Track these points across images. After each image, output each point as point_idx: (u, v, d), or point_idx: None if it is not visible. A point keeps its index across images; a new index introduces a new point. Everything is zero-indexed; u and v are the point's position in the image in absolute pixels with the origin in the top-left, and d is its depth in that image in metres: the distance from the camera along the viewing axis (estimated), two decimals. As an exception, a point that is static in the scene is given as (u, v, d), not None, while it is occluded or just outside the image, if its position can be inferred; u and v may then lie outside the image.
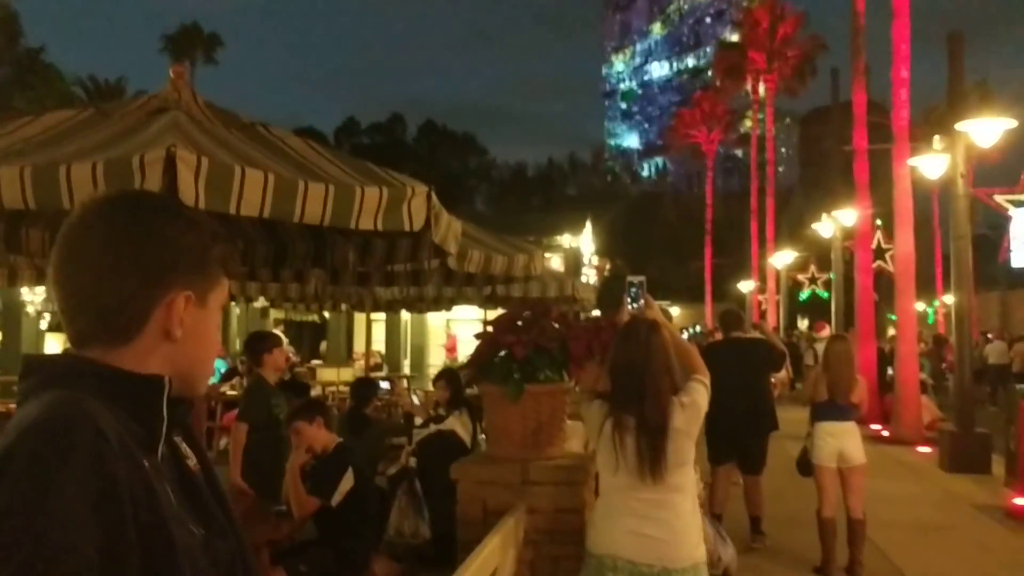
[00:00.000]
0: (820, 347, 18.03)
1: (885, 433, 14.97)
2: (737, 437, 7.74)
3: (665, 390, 3.55)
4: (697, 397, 3.61)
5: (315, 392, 11.77)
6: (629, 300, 4.12)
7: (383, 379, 13.84)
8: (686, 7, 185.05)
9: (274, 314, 22.89)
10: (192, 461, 1.30)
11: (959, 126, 12.17)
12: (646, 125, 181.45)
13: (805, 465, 7.19)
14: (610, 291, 4.66)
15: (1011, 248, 20.16)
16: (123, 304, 1.20)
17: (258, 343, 6.52)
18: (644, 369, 3.55)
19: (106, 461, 1.03)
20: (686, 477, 3.64)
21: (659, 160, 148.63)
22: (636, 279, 4.17)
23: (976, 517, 9.17)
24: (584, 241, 40.80)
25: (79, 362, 1.19)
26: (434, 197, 4.48)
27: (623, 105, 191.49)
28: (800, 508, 7.89)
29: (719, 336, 9.19)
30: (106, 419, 1.09)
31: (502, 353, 4.14)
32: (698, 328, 36.14)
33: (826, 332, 19.19)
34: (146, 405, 1.19)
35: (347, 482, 5.06)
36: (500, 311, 8.25)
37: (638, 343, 3.62)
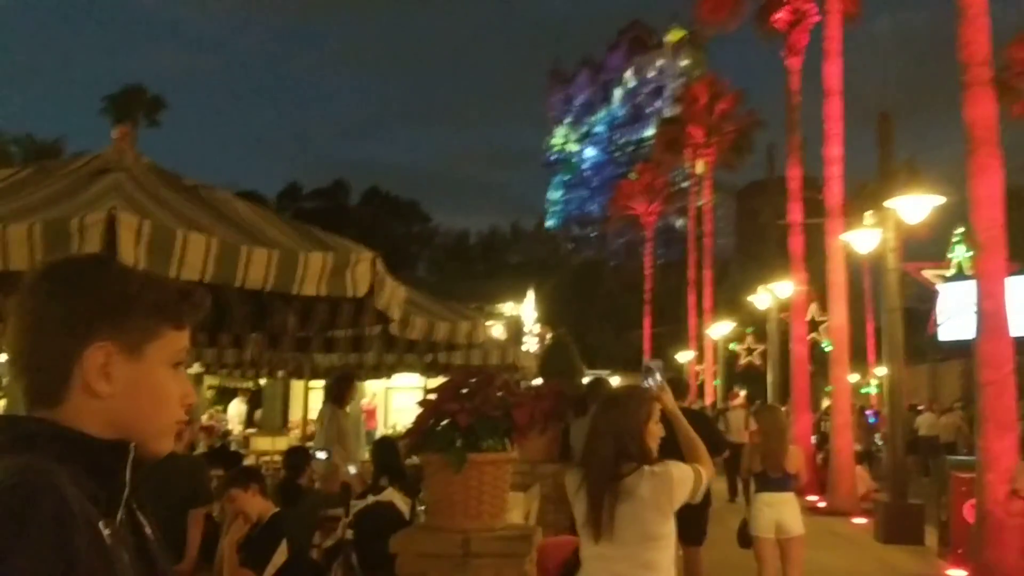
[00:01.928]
0: (733, 416, 18.27)
1: (821, 504, 15.10)
2: None
3: (624, 454, 3.47)
4: (674, 470, 3.49)
5: (249, 461, 11.47)
6: (646, 381, 4.05)
7: (319, 449, 13.55)
8: (627, 83, 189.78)
9: (208, 380, 22.39)
10: (148, 529, 1.29)
11: (889, 203, 12.59)
12: (587, 195, 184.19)
13: (744, 536, 7.19)
14: (553, 359, 4.67)
15: (939, 321, 20.75)
16: (48, 363, 1.19)
17: None
18: (611, 432, 3.50)
19: (67, 532, 1.03)
20: (658, 553, 3.50)
21: (599, 230, 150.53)
22: (654, 363, 4.20)
23: (912, 588, 9.25)
24: (526, 309, 40.92)
25: (41, 425, 1.17)
26: (379, 263, 4.47)
27: (565, 176, 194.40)
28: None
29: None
30: (70, 487, 1.07)
31: (444, 421, 4.09)
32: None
33: (738, 401, 19.39)
34: (109, 471, 1.17)
35: (280, 555, 4.92)
36: (441, 379, 8.20)
37: (617, 409, 3.58)
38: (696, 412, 9.08)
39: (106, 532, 1.11)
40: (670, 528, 3.53)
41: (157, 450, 1.26)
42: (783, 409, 19.38)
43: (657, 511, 3.49)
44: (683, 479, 3.50)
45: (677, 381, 8.99)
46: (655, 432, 3.59)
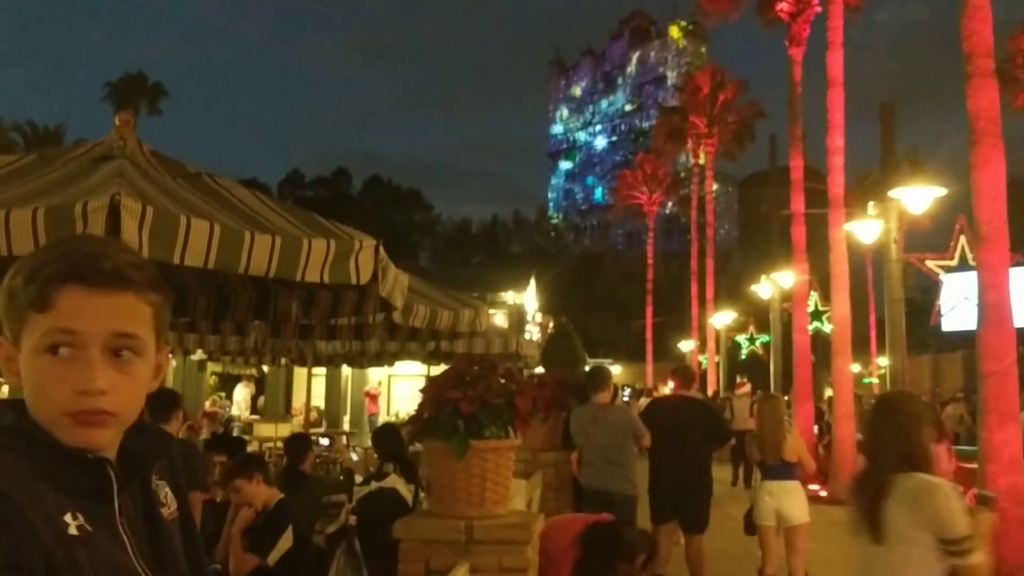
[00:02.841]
0: (738, 404, 18.39)
1: (823, 493, 15.11)
2: (677, 496, 7.72)
3: (906, 459, 3.37)
4: (942, 495, 3.26)
5: (251, 448, 11.52)
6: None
7: (322, 435, 13.62)
8: (629, 72, 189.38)
9: (211, 367, 22.42)
10: (168, 510, 1.28)
11: (892, 193, 12.58)
12: (589, 185, 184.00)
13: (749, 524, 7.22)
14: (555, 348, 4.66)
15: (941, 312, 20.75)
16: None
17: (161, 399, 6.15)
18: (896, 438, 3.44)
19: (7, 527, 1.02)
20: (906, 560, 3.31)
21: (601, 220, 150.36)
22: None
23: (912, 577, 9.26)
24: (528, 298, 40.91)
25: (20, 419, 1.17)
26: (382, 250, 4.47)
27: (567, 165, 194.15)
28: (747, 568, 7.89)
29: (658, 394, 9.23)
30: (19, 479, 1.07)
31: (447, 409, 4.10)
32: (637, 385, 36.28)
33: (743, 390, 19.47)
34: (83, 465, 1.17)
35: (286, 541, 4.94)
36: (443, 367, 8.21)
37: (902, 415, 3.54)
38: (701, 401, 9.05)
39: (74, 523, 1.09)
40: (923, 539, 3.28)
41: (66, 443, 1.16)
42: (785, 399, 19.50)
43: (907, 513, 3.30)
44: (950, 507, 3.25)
45: (682, 370, 8.99)
46: (929, 435, 3.58)
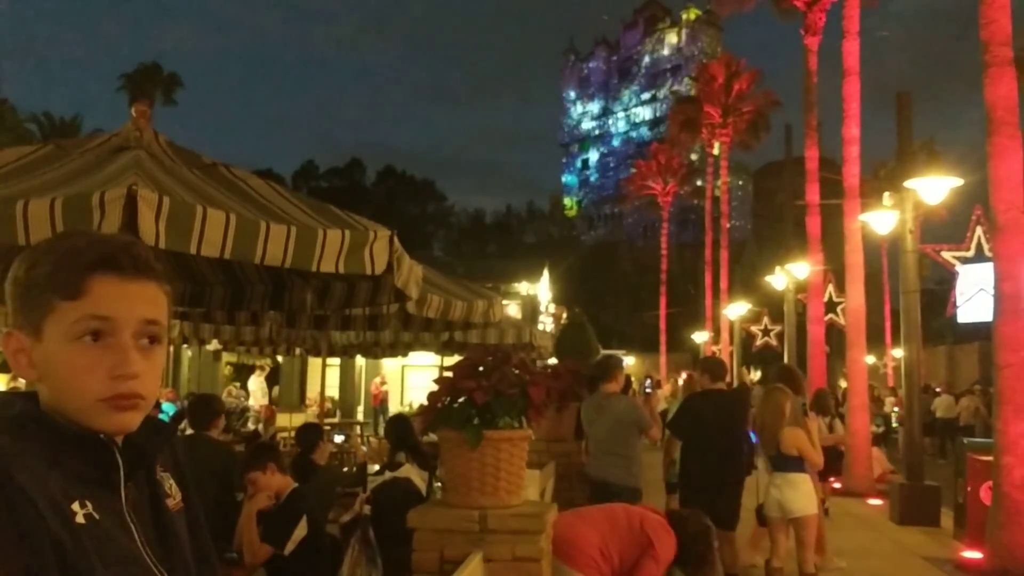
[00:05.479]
0: None
1: (836, 485, 15.06)
2: (707, 489, 7.59)
3: None
4: None
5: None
6: None
7: (337, 431, 13.67)
8: (643, 61, 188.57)
9: (226, 357, 22.56)
10: (172, 500, 1.30)
11: (907, 183, 12.48)
12: (603, 175, 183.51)
13: (760, 515, 7.20)
14: (569, 339, 4.66)
15: (957, 303, 20.62)
16: None
17: (208, 406, 6.32)
18: None
19: (16, 515, 1.04)
20: None
21: (615, 209, 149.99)
22: None
23: (927, 569, 9.24)
24: (542, 288, 40.89)
25: (29, 409, 1.18)
26: (396, 241, 4.48)
27: (580, 155, 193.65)
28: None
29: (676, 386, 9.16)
30: (28, 468, 1.09)
31: (461, 399, 4.11)
32: (655, 376, 36.15)
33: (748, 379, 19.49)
34: (93, 453, 1.18)
35: (300, 530, 4.96)
36: (457, 358, 8.22)
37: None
38: (731, 391, 8.92)
39: (82, 511, 1.11)
40: None
41: (99, 428, 1.18)
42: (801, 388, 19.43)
43: None
44: None
45: (712, 362, 8.78)
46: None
